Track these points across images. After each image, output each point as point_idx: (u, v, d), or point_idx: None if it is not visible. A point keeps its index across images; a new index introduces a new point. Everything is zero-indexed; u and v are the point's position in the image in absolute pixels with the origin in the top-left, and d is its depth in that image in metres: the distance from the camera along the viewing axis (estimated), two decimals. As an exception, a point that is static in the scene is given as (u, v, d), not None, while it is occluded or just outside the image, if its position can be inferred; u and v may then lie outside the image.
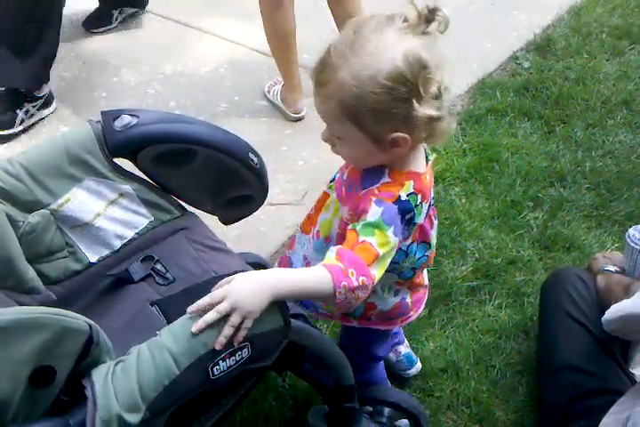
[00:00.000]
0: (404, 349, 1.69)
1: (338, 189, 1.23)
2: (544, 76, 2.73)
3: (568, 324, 1.55)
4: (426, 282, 1.37)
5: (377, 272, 1.02)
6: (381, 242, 1.02)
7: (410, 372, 1.70)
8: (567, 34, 2.98)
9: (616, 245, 2.05)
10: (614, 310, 1.40)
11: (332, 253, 1.01)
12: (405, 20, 0.99)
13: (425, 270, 1.36)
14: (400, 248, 1.11)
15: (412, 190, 1.07)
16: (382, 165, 1.09)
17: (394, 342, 1.67)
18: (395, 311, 1.31)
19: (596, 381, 1.43)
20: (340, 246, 1.02)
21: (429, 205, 1.16)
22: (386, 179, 1.07)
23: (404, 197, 1.06)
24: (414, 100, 0.97)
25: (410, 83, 0.96)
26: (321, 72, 1.02)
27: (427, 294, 1.39)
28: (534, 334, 1.79)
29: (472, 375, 1.71)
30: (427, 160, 1.16)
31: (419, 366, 1.70)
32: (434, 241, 1.24)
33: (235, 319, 0.93)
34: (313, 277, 0.99)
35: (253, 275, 0.99)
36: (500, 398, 1.67)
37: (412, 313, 1.34)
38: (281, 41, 2.34)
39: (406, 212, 1.06)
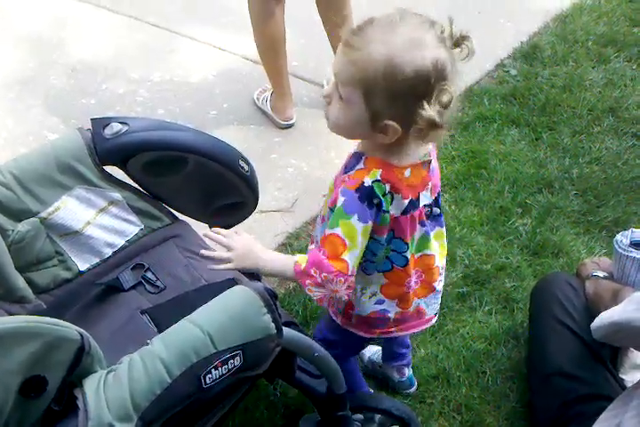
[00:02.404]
0: (408, 371, 1.69)
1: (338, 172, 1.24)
2: (531, 84, 2.76)
3: (558, 329, 1.56)
4: (426, 312, 1.33)
5: (349, 258, 1.10)
6: (346, 231, 1.09)
7: (409, 391, 1.70)
8: (553, 41, 3.02)
9: (604, 251, 2.07)
10: (603, 318, 1.41)
11: (307, 253, 1.15)
12: (442, 32, 1.03)
13: (428, 303, 1.32)
14: (375, 239, 1.16)
15: (379, 178, 1.10)
16: (362, 153, 1.14)
17: (402, 363, 1.66)
18: (372, 319, 1.29)
19: (586, 386, 1.44)
20: (314, 245, 1.15)
21: (413, 205, 1.16)
22: (360, 165, 1.13)
23: (367, 183, 1.09)
24: (425, 101, 1.01)
25: (430, 85, 1.01)
26: (356, 36, 1.03)
27: (421, 325, 1.35)
28: (524, 340, 1.80)
29: (463, 382, 1.71)
30: (422, 159, 1.15)
31: (416, 385, 1.71)
32: (412, 244, 1.21)
33: (225, 256, 1.18)
34: (281, 269, 1.17)
35: (253, 249, 1.19)
36: (491, 405, 1.67)
37: (393, 329, 1.32)
38: (270, 49, 2.34)
39: (370, 196, 1.09)
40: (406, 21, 1.03)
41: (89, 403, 0.89)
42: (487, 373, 1.74)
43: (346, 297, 1.16)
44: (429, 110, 1.00)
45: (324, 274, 1.10)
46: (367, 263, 1.21)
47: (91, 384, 0.91)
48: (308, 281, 1.12)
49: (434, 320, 1.37)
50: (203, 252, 1.25)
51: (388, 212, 1.13)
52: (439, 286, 1.32)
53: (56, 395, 0.89)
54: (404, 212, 1.15)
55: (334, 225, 1.10)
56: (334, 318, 1.36)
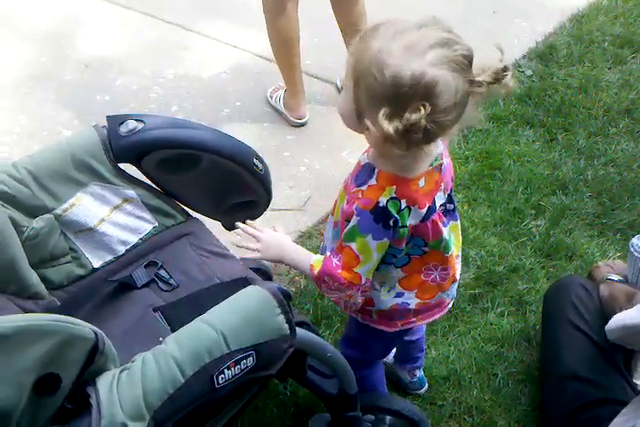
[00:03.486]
0: (419, 372, 1.68)
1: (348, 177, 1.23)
2: (546, 84, 2.74)
3: (571, 333, 1.54)
4: (446, 300, 1.33)
5: (362, 271, 1.13)
6: (360, 248, 1.11)
7: (419, 392, 1.70)
8: (569, 42, 2.99)
9: (618, 254, 2.05)
10: (617, 320, 1.40)
11: (322, 256, 1.19)
12: (467, 59, 0.97)
13: (448, 294, 1.32)
14: (395, 247, 1.16)
15: (394, 195, 1.08)
16: (373, 166, 1.11)
17: (414, 366, 1.66)
18: (392, 313, 1.29)
19: (599, 391, 1.43)
20: (330, 252, 1.17)
21: (431, 210, 1.14)
22: (372, 181, 1.10)
23: (382, 203, 1.08)
24: (388, 110, 0.96)
25: (401, 97, 0.95)
26: (370, 30, 1.02)
27: (441, 311, 1.35)
28: (537, 342, 1.79)
29: (474, 384, 1.71)
30: (433, 164, 1.13)
31: (426, 386, 1.70)
32: (441, 243, 1.20)
33: (253, 247, 1.28)
34: (302, 268, 1.24)
35: (281, 243, 1.27)
36: (502, 408, 1.66)
37: (414, 319, 1.32)
38: (284, 46, 2.33)
39: (385, 217, 1.09)
40: (422, 30, 0.97)
41: (102, 401, 0.88)
42: (498, 375, 1.73)
43: (361, 301, 1.20)
44: (384, 121, 0.95)
45: (337, 284, 1.15)
46: (386, 265, 1.21)
47: (104, 383, 0.91)
48: (323, 285, 1.19)
49: (450, 305, 1.36)
50: (234, 242, 1.34)
51: (405, 226, 1.12)
52: (458, 274, 1.32)
53: (69, 393, 0.89)
54: (424, 219, 1.14)
55: (350, 240, 1.12)
56: (355, 315, 1.35)
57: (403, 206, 1.09)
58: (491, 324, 1.85)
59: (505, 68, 1.01)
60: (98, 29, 3.00)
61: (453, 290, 1.34)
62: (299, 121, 2.51)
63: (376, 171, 1.10)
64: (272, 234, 1.29)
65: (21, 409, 0.86)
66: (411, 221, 1.13)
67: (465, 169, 2.33)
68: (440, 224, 1.18)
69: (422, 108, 0.94)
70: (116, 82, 2.71)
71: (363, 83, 1.00)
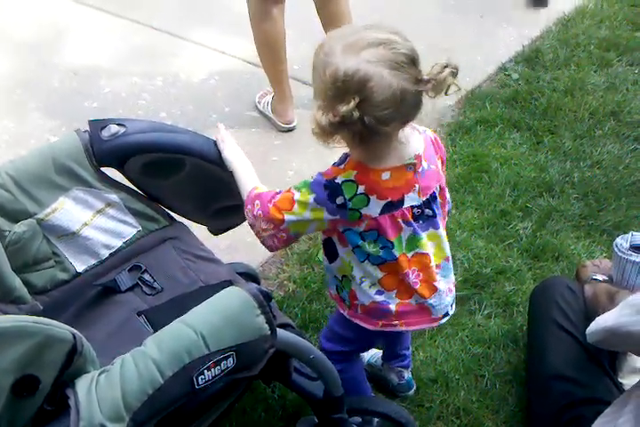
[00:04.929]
0: (407, 374, 1.68)
1: None
2: (532, 88, 2.76)
3: (557, 333, 1.55)
4: (432, 311, 1.31)
5: (288, 219, 1.18)
6: (300, 199, 1.17)
7: (408, 394, 1.70)
8: (555, 46, 3.01)
9: (604, 254, 2.05)
10: (598, 322, 1.40)
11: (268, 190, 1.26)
12: (407, 58, 1.06)
13: (434, 304, 1.31)
14: (352, 229, 1.21)
15: (352, 178, 1.15)
16: (348, 154, 1.21)
17: (401, 365, 1.67)
18: (373, 310, 1.30)
19: (584, 390, 1.43)
20: (276, 189, 1.23)
21: (393, 206, 1.18)
22: (342, 165, 1.19)
23: (337, 180, 1.16)
24: (320, 103, 1.08)
25: (335, 90, 1.06)
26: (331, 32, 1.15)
27: (429, 322, 1.34)
28: (523, 343, 1.79)
29: (462, 385, 1.71)
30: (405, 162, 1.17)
31: (414, 388, 1.70)
32: (399, 242, 1.22)
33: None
34: (243, 187, 1.30)
35: (242, 154, 1.37)
36: (489, 409, 1.66)
37: (395, 322, 1.31)
38: (270, 51, 2.35)
39: (334, 192, 1.15)
40: (365, 32, 1.07)
41: (80, 403, 0.88)
42: (486, 376, 1.73)
43: (270, 244, 1.24)
44: (318, 113, 1.07)
45: (260, 211, 1.20)
46: (356, 251, 1.24)
47: (83, 384, 0.91)
48: (248, 206, 1.24)
49: (444, 320, 1.35)
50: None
51: (356, 210, 1.17)
52: (440, 285, 1.30)
53: (48, 395, 0.89)
54: (382, 212, 1.18)
55: (297, 188, 1.19)
56: (341, 310, 1.37)
57: (359, 192, 1.15)
58: (478, 325, 1.86)
59: (446, 65, 1.08)
60: (86, 37, 3.01)
61: (440, 301, 1.31)
62: (287, 126, 2.52)
63: (348, 158, 1.19)
64: (237, 148, 1.37)
65: (0, 410, 0.86)
66: (368, 210, 1.17)
67: (452, 172, 2.34)
68: (401, 222, 1.20)
69: (352, 101, 1.03)
70: (104, 89, 2.71)
71: (314, 83, 1.12)
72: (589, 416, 1.32)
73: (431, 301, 1.30)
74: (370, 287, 1.28)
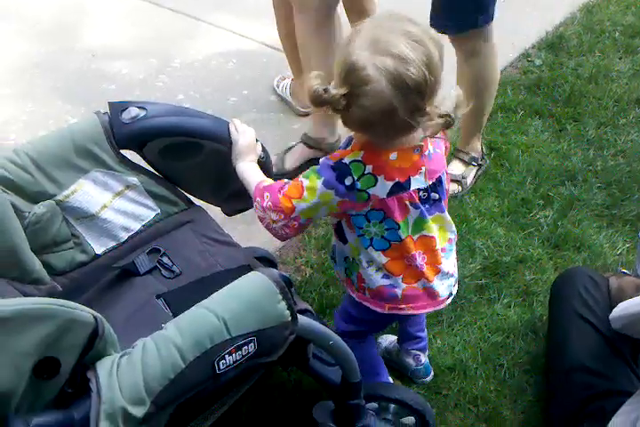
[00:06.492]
0: (424, 358, 1.68)
1: None
2: (556, 74, 2.71)
3: (579, 324, 1.53)
4: (438, 293, 1.32)
5: (298, 207, 1.18)
6: (309, 186, 1.17)
7: (425, 380, 1.69)
8: (580, 32, 2.96)
9: (627, 245, 2.02)
10: (622, 308, 1.38)
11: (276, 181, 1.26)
12: (413, 83, 1.05)
13: (438, 285, 1.32)
14: (359, 213, 1.21)
15: (359, 158, 1.15)
16: (352, 137, 1.23)
17: (417, 348, 1.66)
18: (380, 293, 1.31)
19: (606, 382, 1.41)
20: (285, 180, 1.23)
21: (401, 187, 1.18)
22: (348, 147, 1.21)
23: (345, 161, 1.16)
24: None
25: (343, 77, 1.08)
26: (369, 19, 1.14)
27: (435, 305, 1.35)
28: (543, 333, 1.77)
29: (480, 374, 1.69)
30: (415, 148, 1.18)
31: (432, 374, 1.69)
32: (405, 224, 1.22)
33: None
34: (251, 183, 1.28)
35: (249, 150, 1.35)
36: (507, 398, 1.65)
37: (402, 306, 1.32)
38: (293, 36, 2.31)
39: (343, 172, 1.15)
40: (401, 37, 1.05)
41: (102, 386, 0.88)
42: (504, 366, 1.72)
43: (282, 233, 1.24)
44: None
45: (270, 203, 1.20)
46: (362, 238, 1.25)
47: (104, 367, 0.90)
48: (257, 199, 1.24)
49: (448, 301, 1.37)
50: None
51: (364, 191, 1.16)
52: (445, 267, 1.32)
53: (69, 377, 0.89)
54: (390, 193, 1.18)
55: (306, 177, 1.19)
56: (351, 293, 1.38)
57: (367, 171, 1.15)
58: (497, 314, 1.84)
59: (451, 120, 1.09)
60: (105, 18, 2.99)
61: (443, 281, 1.33)
62: (305, 110, 2.49)
63: (353, 141, 1.21)
64: (249, 138, 1.36)
65: (20, 394, 0.86)
66: (376, 191, 1.17)
67: (473, 159, 2.31)
68: (409, 205, 1.21)
69: (343, 89, 1.07)
70: (122, 71, 2.70)
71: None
72: (610, 408, 1.31)
73: (435, 283, 1.31)
74: (376, 272, 1.29)
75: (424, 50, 1.05)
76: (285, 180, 1.24)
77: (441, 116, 1.08)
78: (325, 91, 1.07)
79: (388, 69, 1.03)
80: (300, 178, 1.20)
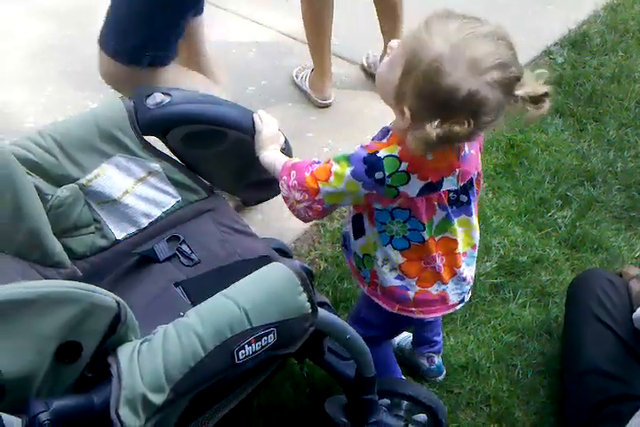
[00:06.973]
0: (438, 359, 1.67)
1: None
2: (578, 73, 2.68)
3: (595, 327, 1.52)
4: (449, 298, 1.31)
5: (323, 190, 1.15)
6: (338, 171, 1.14)
7: (438, 379, 1.68)
8: (603, 30, 2.92)
9: (645, 248, 2.01)
10: None
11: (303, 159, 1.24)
12: (518, 80, 1.03)
13: (451, 289, 1.30)
14: (385, 208, 1.18)
15: (396, 154, 1.10)
16: (389, 128, 1.18)
17: (432, 350, 1.65)
18: (392, 293, 1.29)
19: (622, 386, 1.40)
20: (314, 159, 1.21)
21: (432, 187, 1.14)
22: (384, 140, 1.16)
23: (380, 154, 1.11)
24: (437, 119, 1.01)
25: (451, 108, 1.02)
26: (435, 19, 1.06)
27: (445, 309, 1.33)
28: (558, 335, 1.76)
29: (492, 374, 1.68)
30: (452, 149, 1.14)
31: (444, 373, 1.69)
32: (430, 226, 1.20)
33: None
34: (277, 164, 1.26)
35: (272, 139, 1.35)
36: (520, 399, 1.64)
37: (412, 309, 1.30)
38: (317, 25, 2.29)
39: (374, 166, 1.11)
40: (488, 44, 1.01)
41: (123, 372, 0.87)
42: (517, 366, 1.71)
43: (305, 215, 1.21)
44: (430, 129, 1.00)
45: (295, 182, 1.17)
46: (382, 234, 1.22)
47: (125, 353, 0.90)
48: (284, 177, 1.21)
49: (458, 307, 1.34)
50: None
51: (394, 187, 1.13)
52: (464, 273, 1.29)
53: (90, 362, 0.89)
54: (420, 193, 1.14)
55: (337, 161, 1.15)
56: (361, 287, 1.36)
57: (401, 168, 1.11)
58: (512, 314, 1.83)
59: (545, 94, 1.07)
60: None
61: (457, 286, 1.30)
62: (323, 102, 2.48)
63: (390, 133, 1.17)
64: (273, 129, 1.36)
65: (41, 377, 0.86)
66: (407, 189, 1.13)
67: (491, 157, 2.29)
68: (436, 206, 1.18)
69: (466, 123, 1.00)
70: (141, 57, 2.68)
71: (415, 77, 1.03)
72: (626, 412, 1.30)
73: (450, 286, 1.29)
74: (390, 271, 1.26)
75: (506, 43, 1.03)
76: (315, 159, 1.21)
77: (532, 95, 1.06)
78: (445, 133, 1.01)
79: (501, 81, 1.01)
80: (332, 160, 1.16)
